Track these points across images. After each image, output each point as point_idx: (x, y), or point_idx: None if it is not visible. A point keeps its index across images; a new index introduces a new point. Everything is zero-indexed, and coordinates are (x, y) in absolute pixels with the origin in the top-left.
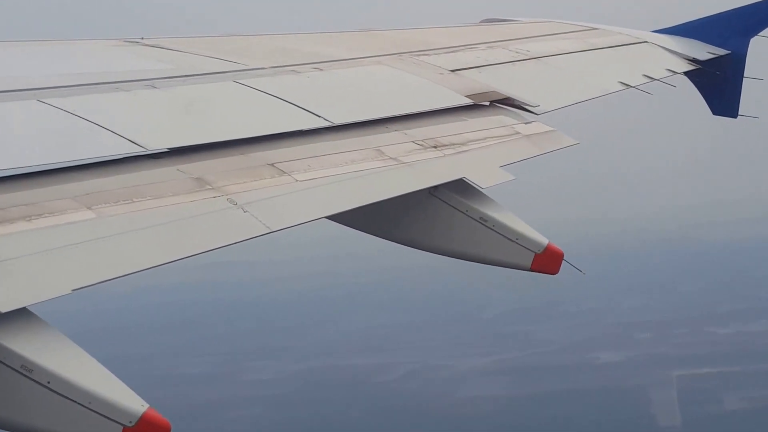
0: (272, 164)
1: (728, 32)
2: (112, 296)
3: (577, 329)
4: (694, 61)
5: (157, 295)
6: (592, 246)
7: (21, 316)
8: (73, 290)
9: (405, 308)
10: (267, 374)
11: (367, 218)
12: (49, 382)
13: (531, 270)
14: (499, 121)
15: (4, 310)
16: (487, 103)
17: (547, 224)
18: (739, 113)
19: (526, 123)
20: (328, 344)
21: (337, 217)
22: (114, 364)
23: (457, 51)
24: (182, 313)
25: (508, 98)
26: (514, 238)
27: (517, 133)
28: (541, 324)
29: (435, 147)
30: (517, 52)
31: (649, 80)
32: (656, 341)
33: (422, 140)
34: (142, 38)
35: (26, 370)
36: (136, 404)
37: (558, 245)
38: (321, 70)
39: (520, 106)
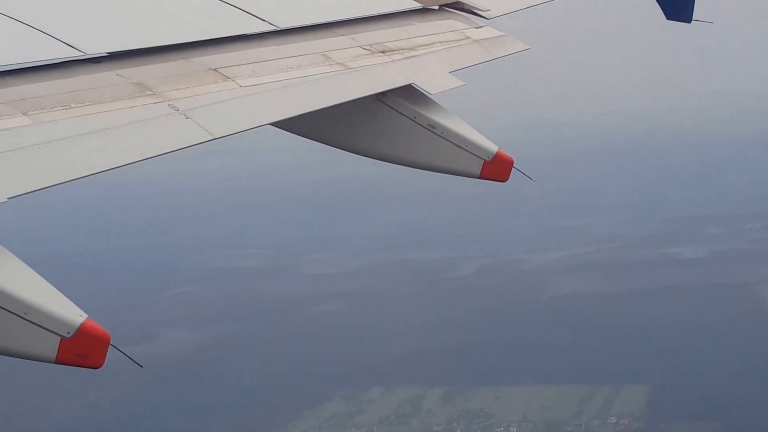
0: (215, 69)
1: None
2: (144, 183)
3: (632, 224)
4: None
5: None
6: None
7: None
8: (8, 198)
9: (430, 207)
10: (330, 268)
11: (313, 125)
12: None
13: (480, 177)
14: (449, 25)
15: None
16: (437, 7)
17: (498, 132)
18: (693, 18)
19: (476, 27)
20: (375, 238)
21: (282, 124)
22: (164, 256)
23: None
24: (201, 206)
25: (458, 2)
26: (464, 146)
27: (467, 38)
28: (587, 218)
29: (383, 52)
30: None
31: None
32: (729, 236)
33: (370, 45)
34: None
35: None
36: (74, 315)
37: (508, 153)
38: None
39: (470, 11)
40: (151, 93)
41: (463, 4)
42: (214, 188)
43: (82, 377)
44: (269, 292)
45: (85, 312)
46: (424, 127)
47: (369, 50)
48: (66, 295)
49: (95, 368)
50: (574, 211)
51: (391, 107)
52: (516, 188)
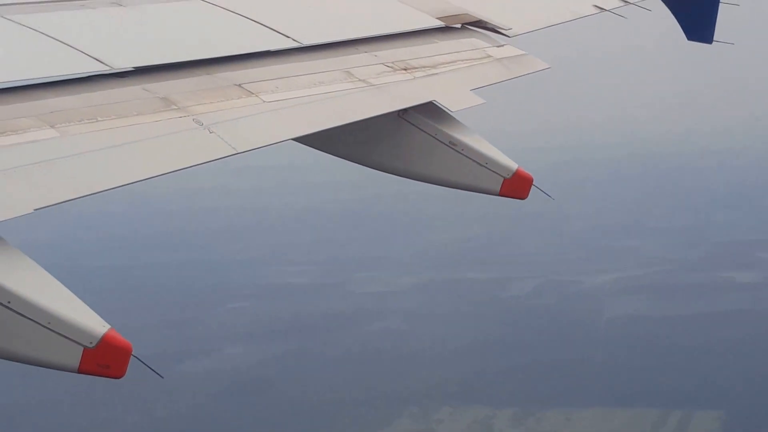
0: (239, 85)
1: None
2: (183, 197)
3: (682, 247)
4: None
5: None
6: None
7: None
8: (35, 209)
9: (471, 226)
10: (382, 286)
11: (335, 140)
12: (9, 302)
13: (500, 195)
14: (471, 43)
15: None
16: (459, 26)
17: (518, 149)
18: (714, 39)
19: (497, 46)
20: (421, 257)
21: (305, 139)
22: (208, 271)
23: None
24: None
25: (480, 21)
26: (484, 163)
27: (489, 56)
28: (635, 239)
29: (405, 69)
30: None
31: (623, 4)
32: None
33: (392, 62)
34: None
35: None
36: (97, 325)
37: (528, 170)
38: None
39: (492, 29)
40: (176, 107)
41: (485, 22)
42: (248, 205)
43: (148, 389)
44: (324, 309)
45: (144, 327)
46: (444, 143)
47: (391, 67)
48: (118, 310)
49: (117, 378)
50: (620, 232)
51: (413, 124)
52: (557, 208)
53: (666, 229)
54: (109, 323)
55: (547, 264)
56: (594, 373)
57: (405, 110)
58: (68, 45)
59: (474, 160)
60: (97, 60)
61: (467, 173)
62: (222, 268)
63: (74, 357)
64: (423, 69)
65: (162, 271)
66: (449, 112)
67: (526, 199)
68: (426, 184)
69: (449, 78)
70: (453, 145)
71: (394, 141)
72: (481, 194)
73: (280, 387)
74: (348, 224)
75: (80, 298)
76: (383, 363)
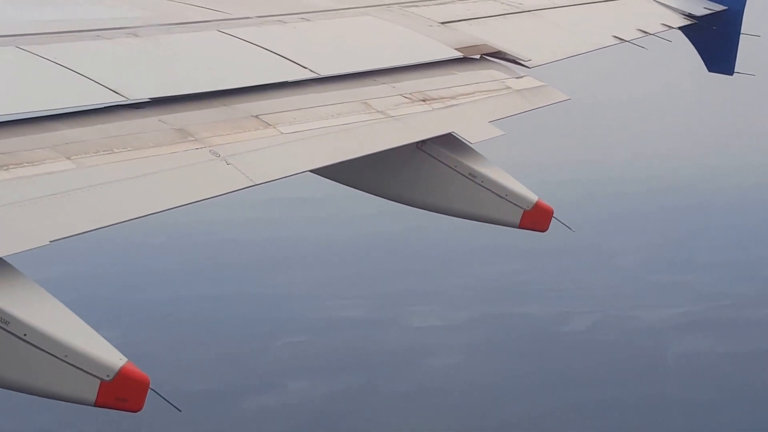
0: (256, 116)
1: None
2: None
3: (736, 282)
4: (690, 16)
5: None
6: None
7: None
8: (51, 241)
9: (516, 260)
10: (437, 320)
11: (353, 172)
12: (25, 335)
13: (520, 227)
14: (490, 75)
15: None
16: (478, 57)
17: (537, 181)
18: (735, 70)
19: (517, 77)
20: (472, 291)
21: (323, 171)
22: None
23: (448, 3)
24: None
25: (499, 52)
26: (503, 195)
27: (508, 87)
28: (686, 274)
29: (423, 100)
30: (509, 5)
31: (643, 35)
32: None
33: (410, 93)
34: None
35: (2, 322)
36: (114, 358)
37: (548, 202)
38: (308, 20)
39: (511, 60)
40: (192, 139)
41: (505, 53)
42: (284, 236)
43: (218, 426)
44: (381, 344)
45: (200, 362)
46: (464, 175)
47: (409, 99)
48: (171, 343)
49: (134, 412)
50: (670, 267)
51: (431, 156)
52: (596, 243)
53: (717, 264)
54: (166, 357)
55: (600, 298)
56: (668, 410)
57: (423, 142)
58: (84, 76)
59: (493, 192)
60: (113, 91)
61: (487, 205)
62: (271, 301)
63: (91, 390)
64: (442, 100)
65: (210, 304)
66: (468, 144)
67: (571, 232)
68: (466, 221)
69: (468, 109)
70: (472, 176)
71: (413, 173)
72: (525, 231)
73: (350, 422)
74: (390, 257)
75: (130, 332)
76: (449, 399)
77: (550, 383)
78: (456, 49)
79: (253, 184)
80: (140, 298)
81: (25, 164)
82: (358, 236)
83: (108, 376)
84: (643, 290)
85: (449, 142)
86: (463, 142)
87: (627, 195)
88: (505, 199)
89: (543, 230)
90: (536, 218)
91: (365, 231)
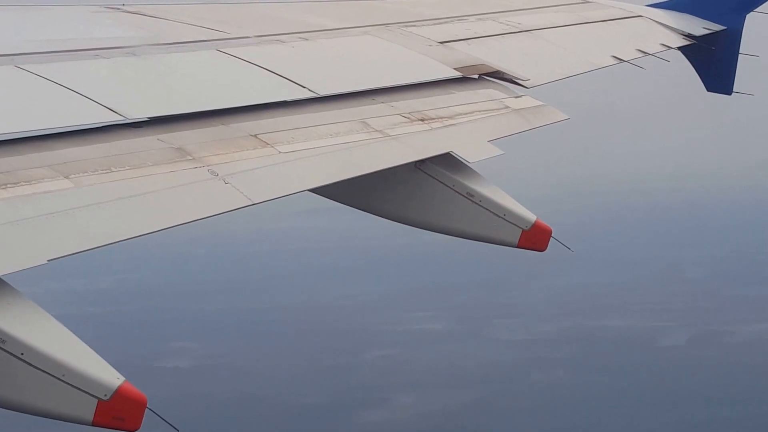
0: (255, 135)
1: (724, 8)
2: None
3: None
4: (689, 36)
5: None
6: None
7: None
8: (48, 260)
9: (591, 270)
10: (523, 334)
11: (351, 191)
12: (22, 354)
13: (518, 247)
14: (488, 94)
15: None
16: (476, 76)
17: (536, 201)
18: (734, 90)
19: (515, 97)
20: (549, 303)
21: (321, 190)
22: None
23: (446, 23)
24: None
25: (497, 71)
26: (502, 214)
27: (507, 107)
28: (765, 287)
29: (422, 120)
30: (507, 25)
31: (642, 55)
32: None
33: (409, 113)
34: (123, 5)
35: (0, 342)
36: (111, 377)
37: (546, 222)
38: (306, 40)
39: (510, 80)
40: (190, 158)
41: (503, 73)
42: (331, 248)
43: None
44: (474, 358)
45: (297, 373)
46: (462, 195)
47: (408, 118)
48: (258, 355)
49: (132, 431)
50: (745, 279)
51: (430, 175)
52: (666, 256)
53: None
54: (262, 369)
55: (688, 312)
56: None
57: (422, 161)
58: (82, 95)
59: (492, 212)
60: (111, 110)
61: (485, 225)
62: (345, 312)
63: (89, 410)
64: (440, 120)
65: (285, 315)
66: (467, 163)
67: (613, 245)
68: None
69: (467, 129)
70: (470, 196)
71: (411, 192)
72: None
73: None
74: (446, 269)
75: (210, 343)
76: (558, 415)
77: (655, 399)
78: (454, 68)
79: (252, 203)
80: (205, 309)
81: (23, 183)
82: (404, 249)
83: (105, 395)
84: (727, 304)
85: (448, 161)
86: (462, 162)
87: (630, 214)
88: (504, 218)
89: (541, 250)
90: (535, 238)
91: (406, 243)
